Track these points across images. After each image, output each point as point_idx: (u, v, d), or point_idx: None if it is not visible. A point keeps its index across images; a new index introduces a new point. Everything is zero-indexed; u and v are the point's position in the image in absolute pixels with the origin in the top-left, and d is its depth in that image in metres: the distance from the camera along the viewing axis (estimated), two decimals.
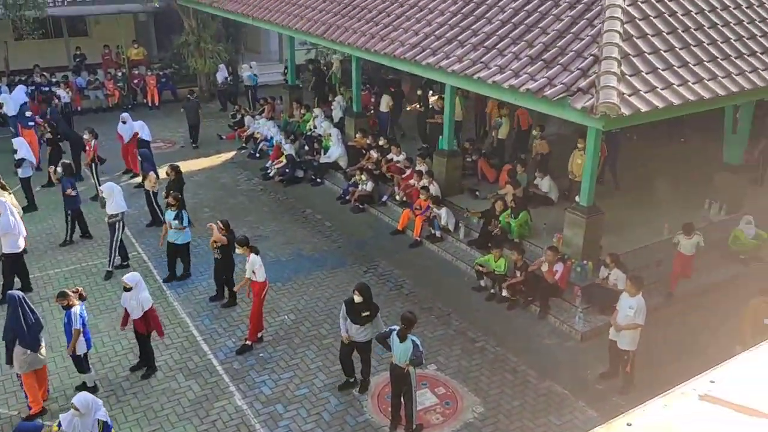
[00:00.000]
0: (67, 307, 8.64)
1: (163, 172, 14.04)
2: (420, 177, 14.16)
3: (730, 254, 12.19)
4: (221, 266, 11.06)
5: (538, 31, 10.00)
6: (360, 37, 12.48)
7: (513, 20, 10.51)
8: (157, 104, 22.34)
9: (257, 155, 18.01)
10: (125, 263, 12.21)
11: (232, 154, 18.51)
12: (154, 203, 13.56)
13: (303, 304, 11.31)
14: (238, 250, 10.22)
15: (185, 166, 16.35)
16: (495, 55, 10.02)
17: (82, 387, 8.90)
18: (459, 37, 10.86)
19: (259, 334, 10.21)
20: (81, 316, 8.68)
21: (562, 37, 9.59)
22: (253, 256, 9.91)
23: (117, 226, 11.89)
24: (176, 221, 11.51)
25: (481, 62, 10.03)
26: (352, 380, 9.17)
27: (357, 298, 8.63)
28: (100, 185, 13.61)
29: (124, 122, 16.41)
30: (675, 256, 11.19)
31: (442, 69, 10.49)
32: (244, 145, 18.77)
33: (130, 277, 9.28)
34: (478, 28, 10.81)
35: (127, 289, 9.09)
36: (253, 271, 9.90)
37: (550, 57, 9.33)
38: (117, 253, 12.06)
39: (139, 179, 15.98)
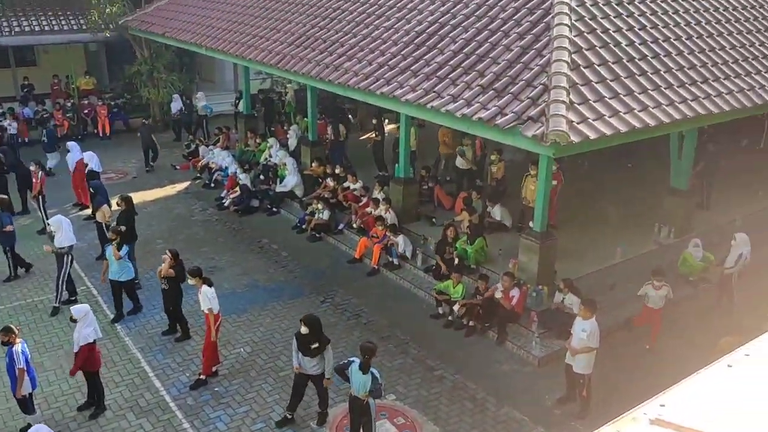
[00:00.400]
0: (7, 343, 8.31)
1: (114, 203, 13.74)
2: (377, 205, 14.18)
3: (680, 276, 12.49)
4: (168, 297, 10.79)
5: (489, 61, 10.19)
6: (314, 67, 12.53)
7: (464, 50, 10.70)
8: (108, 134, 21.95)
9: (212, 185, 17.81)
10: (73, 298, 11.83)
11: (186, 184, 18.26)
12: (107, 236, 13.22)
13: (259, 335, 11.12)
14: (190, 281, 10.00)
15: (138, 197, 16.02)
16: (447, 85, 10.16)
17: (27, 429, 8.52)
18: (412, 67, 10.99)
19: (214, 368, 9.97)
20: (23, 354, 8.35)
21: (513, 66, 9.79)
22: (205, 287, 9.71)
23: (65, 259, 11.54)
24: (112, 254, 10.97)
25: (434, 92, 10.16)
26: (290, 416, 8.95)
27: (303, 330, 8.51)
28: (47, 218, 13.23)
29: (69, 151, 16.08)
30: (642, 310, 10.69)
31: (396, 98, 10.58)
32: (198, 175, 18.54)
33: (78, 309, 9.04)
34: (430, 58, 10.96)
35: (74, 321, 8.87)
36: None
37: (501, 86, 9.50)
38: (65, 288, 11.69)
39: (88, 211, 15.62)
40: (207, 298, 9.63)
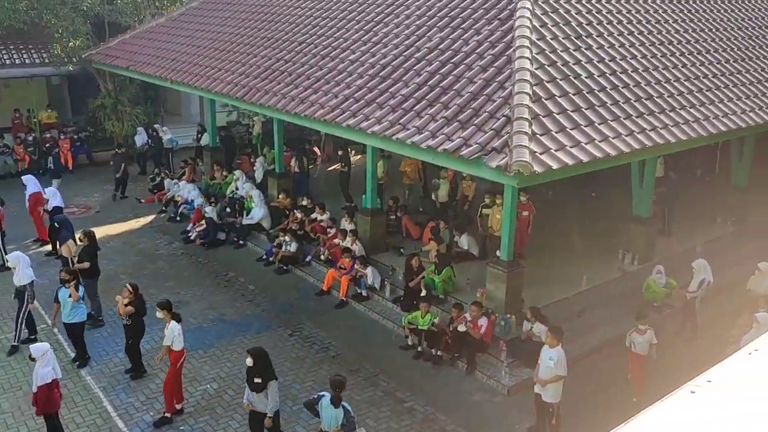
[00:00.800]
0: None
1: (77, 238, 13.47)
2: (344, 236, 14.17)
3: (645, 302, 12.66)
4: (130, 332, 10.54)
5: (453, 93, 10.35)
6: (280, 100, 12.57)
7: (429, 83, 10.86)
8: (71, 168, 21.61)
9: (178, 219, 17.61)
10: (32, 336, 11.49)
11: (151, 218, 18.01)
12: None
13: (226, 371, 10.92)
14: (159, 314, 9.80)
15: (101, 232, 15.78)
16: (413, 117, 10.28)
17: None
18: (377, 100, 11.10)
19: (179, 406, 9.74)
20: None
21: (476, 98, 9.95)
22: (173, 323, 9.53)
23: (25, 297, 11.24)
24: (70, 300, 10.53)
25: (400, 123, 10.26)
26: None
27: (249, 362, 8.39)
28: (6, 254, 12.91)
29: (24, 185, 15.76)
30: (630, 360, 10.26)
31: (362, 130, 10.65)
32: (164, 208, 18.33)
33: (37, 347, 8.81)
34: (395, 91, 11.09)
35: (33, 360, 8.63)
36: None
37: (465, 118, 9.64)
38: (24, 326, 11.35)
39: (48, 247, 15.30)
40: (172, 334, 9.45)
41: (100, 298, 12.41)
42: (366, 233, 14.23)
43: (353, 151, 21.38)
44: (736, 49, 13.78)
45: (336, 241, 14.44)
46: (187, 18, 18.73)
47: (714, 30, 14.02)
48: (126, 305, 10.28)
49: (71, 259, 12.68)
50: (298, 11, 15.58)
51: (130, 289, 10.43)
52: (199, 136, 21.28)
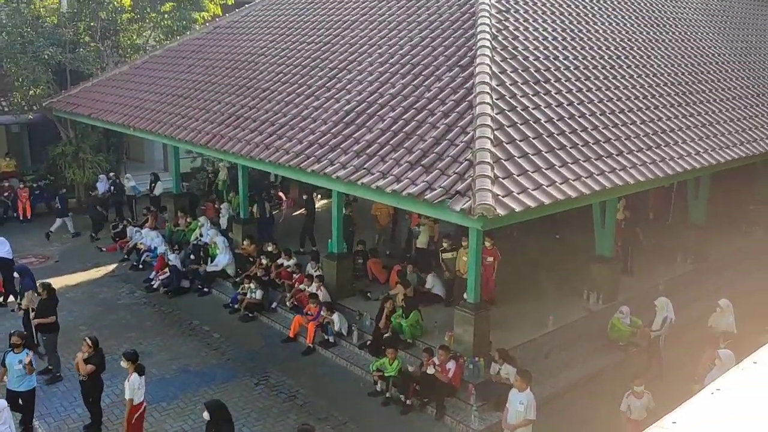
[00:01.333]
0: None
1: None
2: (310, 281, 14.06)
3: (610, 342, 12.78)
4: (88, 389, 10.17)
5: (417, 138, 10.49)
6: (245, 146, 12.58)
7: (392, 128, 10.99)
8: (29, 217, 21.13)
9: (140, 267, 17.28)
10: None
11: (113, 266, 17.64)
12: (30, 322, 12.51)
13: (190, 424, 10.60)
14: (123, 364, 9.52)
15: (60, 282, 15.41)
16: (377, 162, 10.36)
17: None
18: (342, 145, 11.18)
19: None
20: None
21: (439, 143, 10.10)
22: (134, 375, 9.26)
23: None
24: (20, 366, 9.76)
25: (364, 168, 10.33)
26: None
27: (206, 416, 8.20)
28: None
29: None
30: (627, 427, 9.59)
31: (327, 175, 10.69)
32: (126, 257, 17.99)
33: None
34: (359, 136, 11.20)
35: None
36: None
37: (428, 162, 9.76)
38: None
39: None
40: (133, 387, 9.18)
41: (59, 352, 12.01)
42: (332, 278, 14.15)
43: (318, 196, 21.44)
44: (687, 93, 14.30)
45: (302, 286, 14.32)
46: (150, 66, 18.74)
47: (666, 75, 14.55)
48: (86, 360, 9.95)
49: (30, 311, 12.30)
50: (263, 58, 15.74)
51: (89, 343, 10.12)
52: (153, 185, 21.07)
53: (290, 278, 14.92)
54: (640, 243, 15.45)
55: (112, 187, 21.45)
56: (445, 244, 13.98)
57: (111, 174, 21.35)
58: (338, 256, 14.22)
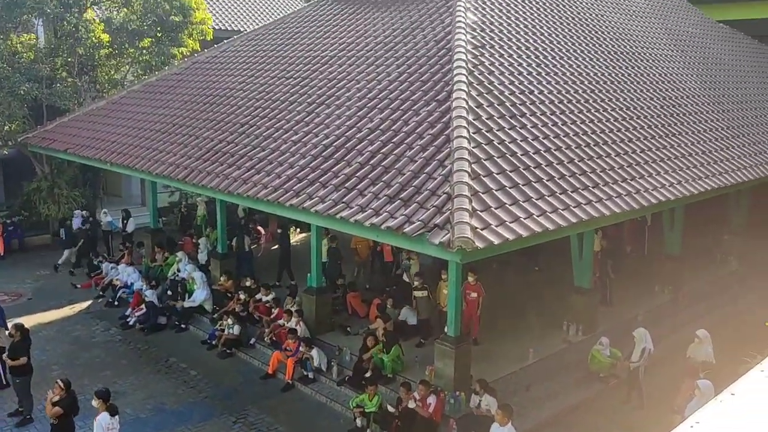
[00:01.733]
0: None
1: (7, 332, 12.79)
2: (289, 316, 13.92)
3: (591, 373, 12.77)
4: (57, 431, 9.88)
5: (395, 171, 10.53)
6: (222, 181, 12.52)
7: (371, 162, 11.03)
8: (2, 254, 20.77)
9: (116, 303, 17.01)
10: None
11: (87, 303, 17.34)
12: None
13: None
14: (94, 403, 9.28)
15: (33, 320, 15.13)
16: (356, 195, 10.37)
17: None
18: (320, 179, 11.18)
19: None
20: None
21: (417, 176, 10.15)
22: (103, 415, 9.03)
23: None
24: None
25: (343, 202, 10.32)
26: None
27: None
28: None
29: None
30: None
31: (306, 210, 10.66)
32: (101, 293, 17.70)
33: None
34: (338, 170, 11.21)
35: None
36: None
37: (407, 196, 9.79)
38: None
39: None
40: (100, 427, 8.94)
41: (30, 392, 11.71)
42: (312, 313, 14.03)
43: (298, 229, 21.39)
44: (660, 126, 14.57)
45: (281, 321, 14.17)
46: (128, 101, 18.70)
47: (639, 108, 14.83)
48: (55, 403, 9.67)
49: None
50: (241, 93, 15.79)
51: (62, 385, 9.87)
52: (125, 222, 20.90)
53: (268, 313, 14.77)
54: (610, 278, 15.50)
55: (85, 223, 21.19)
56: (416, 282, 13.89)
57: (84, 212, 21.11)
58: (317, 290, 14.13)
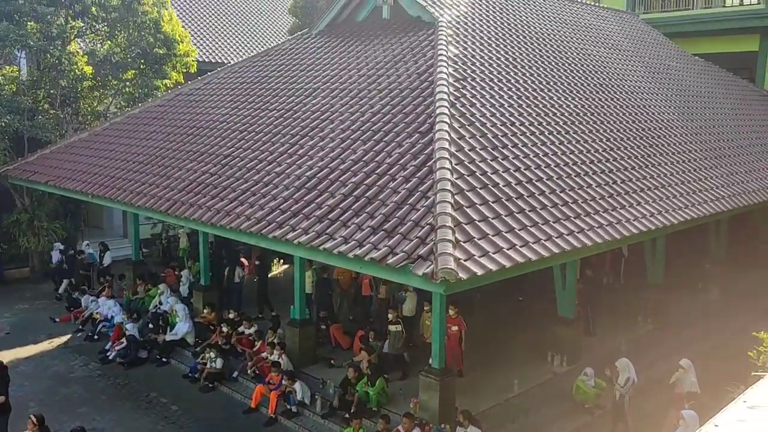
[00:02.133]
0: None
1: None
2: (272, 349, 13.78)
3: (576, 404, 12.71)
4: None
5: (378, 203, 10.56)
6: (205, 213, 12.47)
7: (354, 193, 11.06)
8: None
9: (96, 337, 16.73)
10: None
11: (66, 337, 17.03)
12: None
13: None
14: None
15: (10, 355, 14.84)
16: (339, 227, 10.37)
17: None
18: (304, 210, 11.18)
19: None
20: None
21: (400, 208, 10.18)
22: None
23: None
24: None
25: (326, 234, 10.31)
26: None
27: None
28: None
29: None
30: None
31: (289, 241, 10.63)
32: (81, 327, 17.42)
33: None
34: (321, 202, 11.22)
35: None
36: None
37: (390, 227, 9.80)
38: None
39: None
40: None
41: None
42: (295, 345, 13.90)
43: (281, 261, 21.28)
44: (640, 157, 14.79)
45: (264, 354, 14.02)
46: (110, 132, 18.66)
47: (619, 139, 15.06)
48: None
49: None
50: (224, 125, 15.82)
51: (35, 420, 9.64)
52: (102, 255, 20.71)
53: (251, 346, 14.60)
54: (591, 308, 15.53)
55: (63, 257, 20.93)
56: (390, 316, 13.79)
57: (62, 247, 20.88)
58: (300, 322, 14.02)
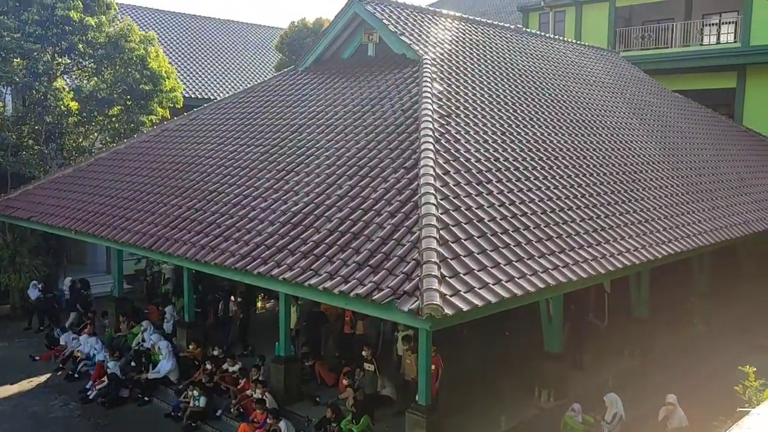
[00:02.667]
0: None
1: None
2: (256, 386, 13.58)
3: None
4: None
5: (364, 238, 10.55)
6: (190, 249, 12.39)
7: (340, 229, 11.05)
8: None
9: (76, 376, 16.41)
10: None
11: (46, 377, 16.69)
12: None
13: None
14: None
15: None
16: (324, 263, 10.33)
17: None
18: (289, 246, 11.14)
19: None
20: None
21: (386, 243, 10.17)
22: None
23: None
24: None
25: (312, 269, 10.27)
26: None
27: None
28: None
29: None
30: None
31: (274, 277, 10.57)
32: (61, 365, 17.09)
33: None
34: (307, 237, 11.20)
35: None
36: None
37: (376, 263, 9.78)
38: None
39: None
40: None
41: None
42: (279, 383, 13.71)
43: (266, 297, 21.10)
44: (623, 192, 14.94)
45: (248, 392, 13.80)
46: (95, 168, 18.59)
47: (602, 174, 15.23)
48: None
49: None
50: (210, 161, 15.82)
51: None
52: (84, 293, 20.52)
53: (235, 384, 14.39)
54: (579, 341, 15.49)
55: (41, 294, 20.63)
56: (365, 353, 13.63)
57: (40, 284, 20.60)
58: (285, 359, 13.85)
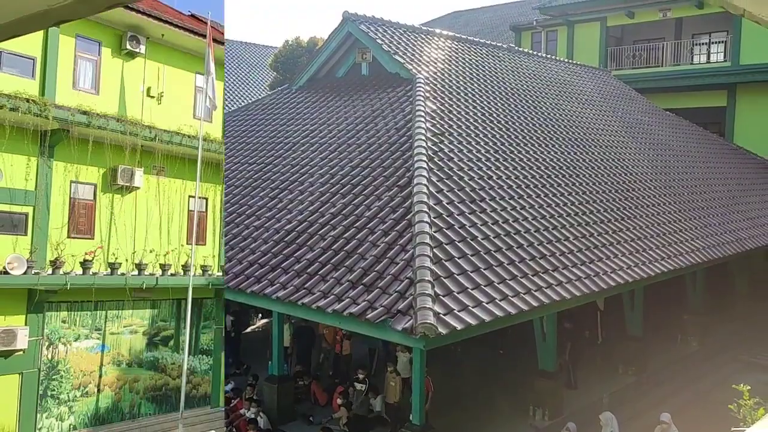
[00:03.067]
0: None
1: None
2: (250, 405, 13.46)
3: None
4: None
5: (357, 256, 10.55)
6: None
7: (333, 247, 11.05)
8: None
9: None
10: None
11: None
12: None
13: None
14: None
15: None
16: (318, 281, 10.31)
17: None
18: (282, 265, 11.12)
19: None
20: None
21: (380, 261, 10.17)
22: None
23: None
24: None
25: (305, 288, 10.25)
26: None
27: None
28: None
29: None
30: None
31: (267, 296, 10.54)
32: None
33: None
34: (300, 255, 11.19)
35: None
36: None
37: (369, 281, 9.77)
38: None
39: None
40: None
41: None
42: (273, 402, 13.60)
43: (260, 315, 21.00)
44: (615, 210, 15.01)
45: (241, 411, 13.68)
46: None
47: (595, 192, 15.31)
48: None
49: None
50: None
51: None
52: None
53: (227, 403, 14.26)
54: (573, 360, 15.44)
55: None
56: (360, 374, 13.50)
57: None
58: (279, 378, 13.76)
